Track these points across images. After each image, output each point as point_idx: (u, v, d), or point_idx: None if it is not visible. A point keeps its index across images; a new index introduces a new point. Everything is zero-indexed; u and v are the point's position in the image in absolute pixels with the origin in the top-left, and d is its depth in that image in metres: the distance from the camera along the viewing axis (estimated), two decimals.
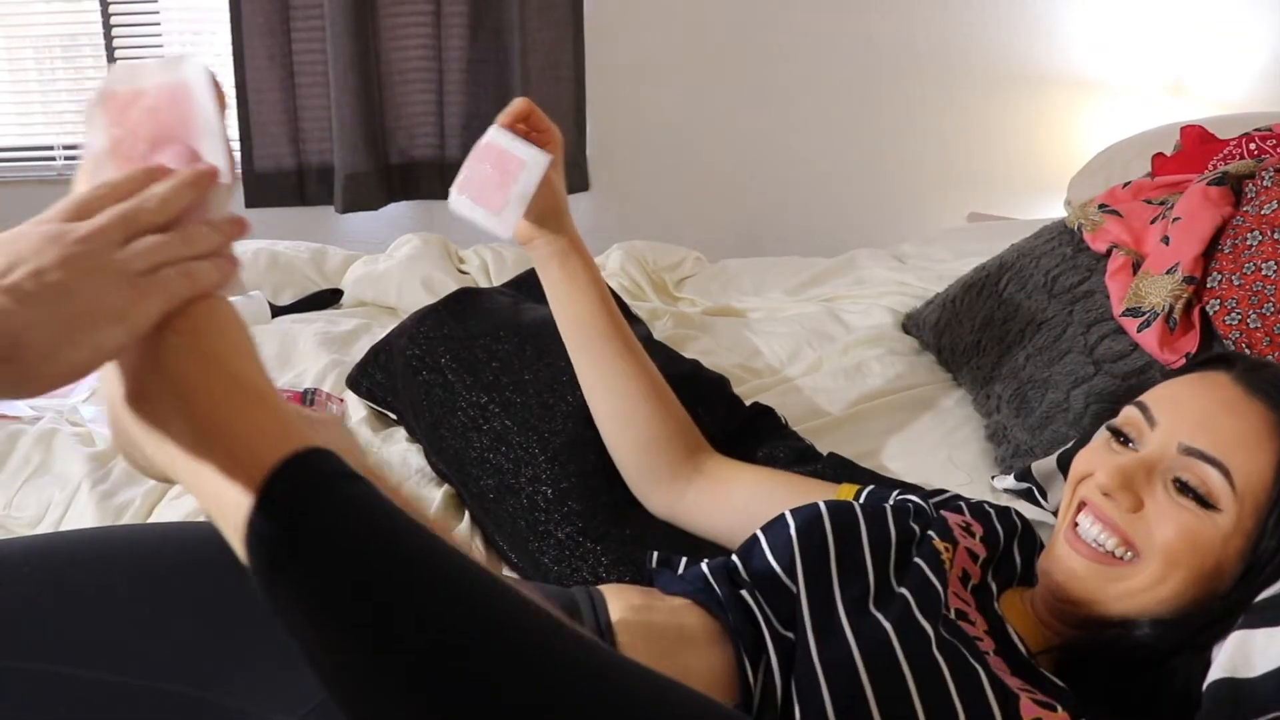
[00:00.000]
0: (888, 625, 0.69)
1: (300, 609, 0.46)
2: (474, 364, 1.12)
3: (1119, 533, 0.74)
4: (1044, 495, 1.09)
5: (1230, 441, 0.72)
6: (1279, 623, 0.64)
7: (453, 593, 0.46)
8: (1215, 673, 0.65)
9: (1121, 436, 0.78)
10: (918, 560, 0.76)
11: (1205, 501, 0.71)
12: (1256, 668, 0.63)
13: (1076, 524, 0.77)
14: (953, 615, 0.74)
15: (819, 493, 0.95)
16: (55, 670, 0.62)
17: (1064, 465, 1.06)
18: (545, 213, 0.98)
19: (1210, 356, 0.81)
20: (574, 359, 1.03)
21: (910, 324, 1.59)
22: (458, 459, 1.08)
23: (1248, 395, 0.74)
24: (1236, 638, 0.65)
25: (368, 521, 0.47)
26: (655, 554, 0.90)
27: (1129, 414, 0.78)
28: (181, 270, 0.52)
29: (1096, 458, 0.78)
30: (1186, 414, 0.75)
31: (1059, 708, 0.67)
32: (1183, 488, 0.72)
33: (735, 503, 0.98)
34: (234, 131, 2.76)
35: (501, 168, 0.92)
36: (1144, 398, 0.79)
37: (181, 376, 0.50)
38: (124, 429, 0.53)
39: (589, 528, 0.98)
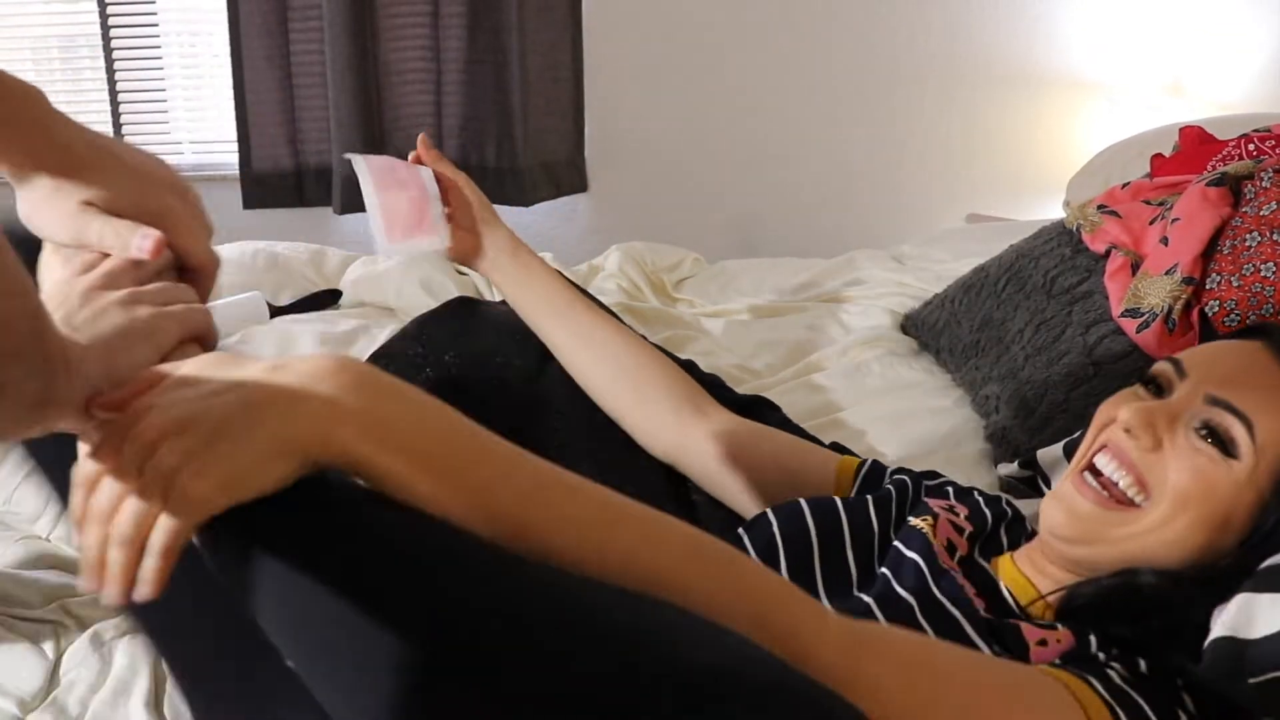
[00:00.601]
0: (869, 599, 0.71)
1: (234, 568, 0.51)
2: (479, 359, 1.12)
3: (1134, 471, 0.74)
4: (1047, 483, 1.09)
5: (1257, 399, 0.72)
6: None
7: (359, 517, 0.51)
8: (1218, 631, 0.66)
9: (1152, 384, 0.78)
10: (896, 543, 0.77)
11: (1224, 449, 0.72)
12: (1259, 629, 0.64)
13: (1091, 465, 0.77)
14: (950, 568, 0.75)
15: (822, 459, 0.96)
16: None
17: (1069, 453, 1.06)
18: (482, 204, 1.03)
19: (1249, 326, 0.82)
20: (551, 339, 1.05)
21: (909, 325, 1.59)
22: None
23: (1278, 363, 0.75)
24: (1240, 600, 0.66)
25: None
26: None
27: (1161, 367, 0.79)
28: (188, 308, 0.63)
29: (1123, 401, 0.78)
30: (1217, 369, 0.75)
31: (1058, 626, 0.68)
32: (1204, 433, 0.72)
33: (741, 448, 0.98)
34: (232, 132, 2.76)
35: (407, 192, 0.98)
36: (1177, 355, 0.79)
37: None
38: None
39: None
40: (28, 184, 0.63)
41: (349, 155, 1.01)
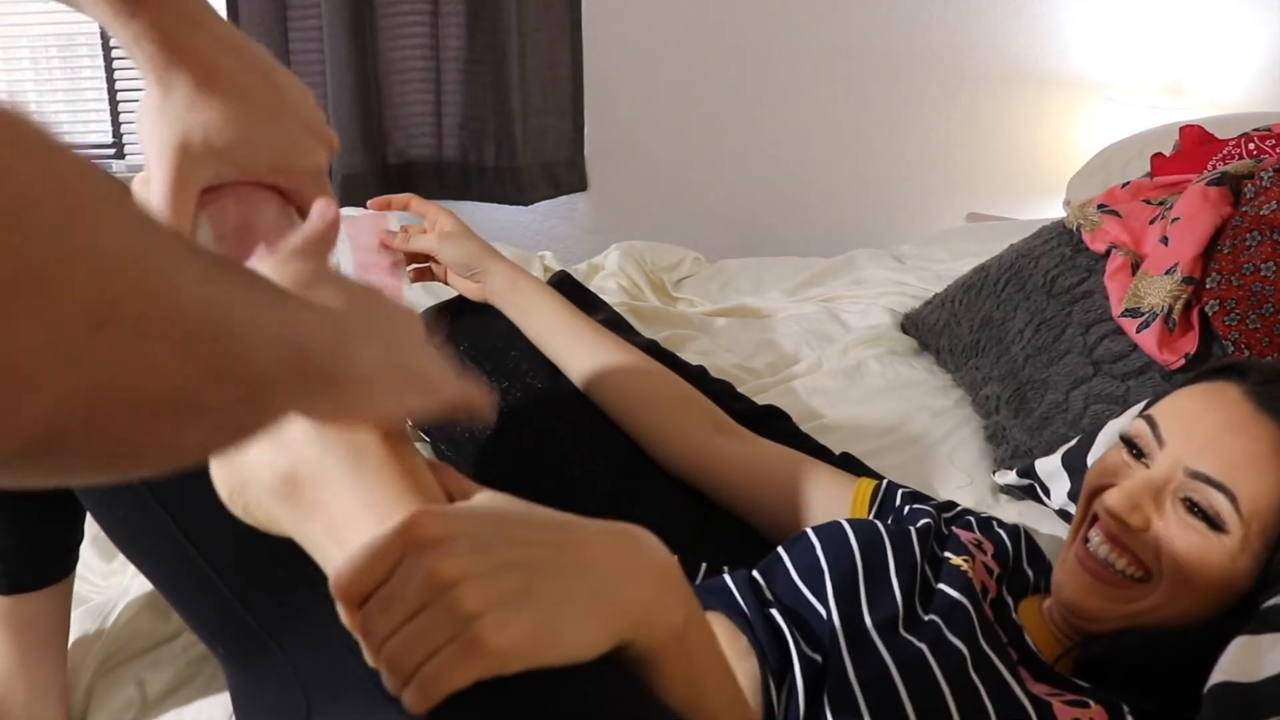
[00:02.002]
0: (922, 645, 0.69)
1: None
2: (493, 351, 1.12)
3: (1128, 553, 0.74)
4: (1047, 493, 1.09)
5: (1237, 463, 0.71)
6: None
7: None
8: (1217, 676, 0.65)
9: (1134, 449, 0.78)
10: (942, 586, 0.76)
11: (1212, 523, 0.71)
12: (1260, 672, 0.63)
13: (1087, 539, 0.77)
14: (991, 619, 0.74)
15: (838, 479, 0.96)
16: None
17: (1068, 464, 1.06)
18: (468, 260, 1.07)
19: (1222, 365, 0.80)
20: (564, 362, 1.06)
21: (909, 324, 1.59)
22: (473, 441, 1.08)
23: (1257, 412, 0.73)
24: (1239, 643, 0.65)
25: None
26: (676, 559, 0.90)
27: (1139, 429, 0.78)
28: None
29: (1109, 473, 0.78)
30: (1194, 434, 0.74)
31: (1090, 703, 0.67)
32: (1190, 509, 0.72)
33: (756, 462, 0.98)
34: None
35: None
36: (1153, 411, 0.78)
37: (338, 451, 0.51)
38: (246, 499, 0.54)
39: (614, 508, 0.97)
40: (165, 84, 0.52)
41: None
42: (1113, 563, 0.74)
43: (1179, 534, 0.72)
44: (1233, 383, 0.76)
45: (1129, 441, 0.78)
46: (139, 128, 0.54)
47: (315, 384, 0.40)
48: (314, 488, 0.51)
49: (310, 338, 0.39)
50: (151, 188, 0.53)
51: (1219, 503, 0.71)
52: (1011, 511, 1.13)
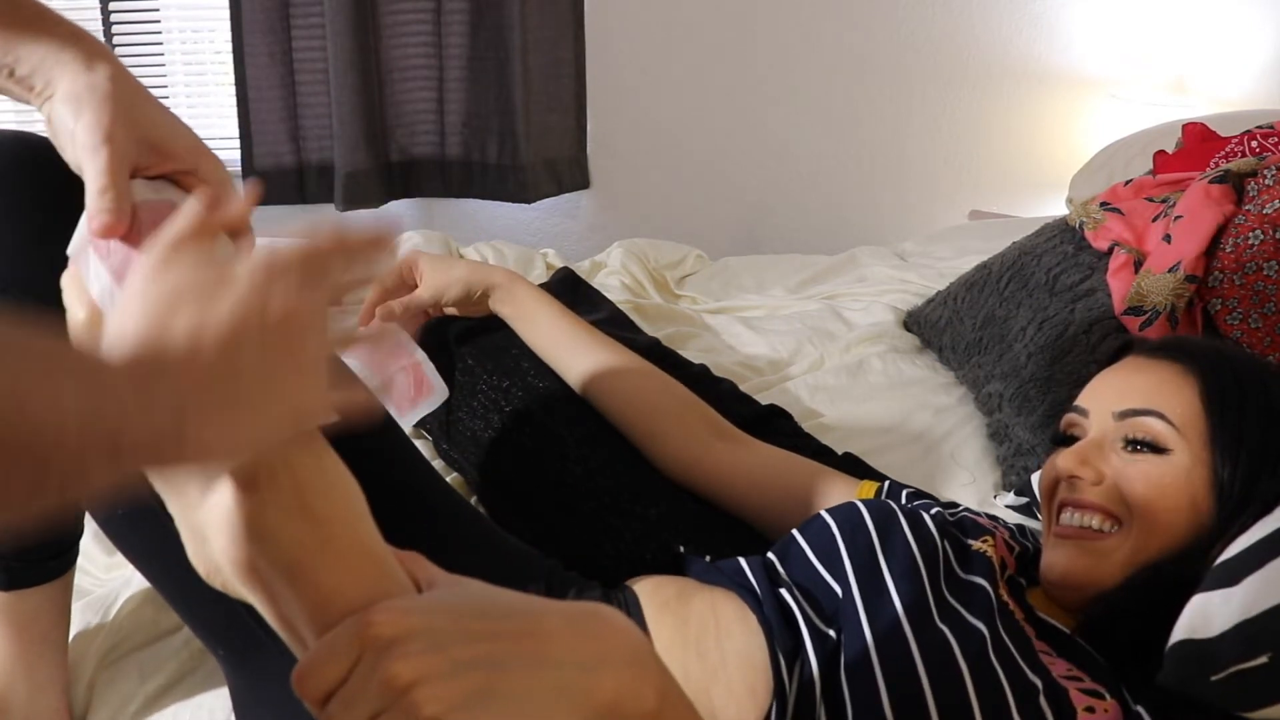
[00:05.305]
0: (944, 626, 0.70)
1: None
2: (494, 350, 1.13)
3: (1098, 509, 0.77)
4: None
5: (1153, 391, 0.78)
6: (1232, 583, 0.66)
7: None
8: (1176, 635, 0.67)
9: (1067, 439, 0.83)
10: (966, 575, 0.77)
11: (1156, 447, 0.76)
12: (1214, 628, 0.65)
13: (1059, 521, 0.79)
14: (1006, 596, 0.76)
15: (840, 483, 0.96)
16: None
17: None
18: (470, 286, 1.07)
19: (1117, 349, 0.89)
20: (562, 367, 1.07)
21: (911, 322, 1.59)
22: (474, 441, 1.08)
23: (1152, 359, 0.82)
24: (1195, 602, 0.67)
25: None
26: (683, 548, 0.91)
27: (1066, 420, 0.85)
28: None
29: (1054, 468, 0.82)
30: (1109, 391, 0.82)
31: (1106, 695, 0.67)
32: (1133, 444, 0.77)
33: (757, 469, 0.99)
34: (234, 129, 2.76)
35: (399, 362, 0.98)
36: (1073, 403, 0.85)
37: (294, 543, 0.49)
38: (223, 578, 0.53)
39: (615, 505, 0.98)
40: (90, 71, 0.56)
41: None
42: (1087, 524, 0.77)
43: (1132, 471, 0.76)
44: (1127, 355, 0.86)
45: (1062, 436, 0.84)
46: (58, 123, 0.57)
47: (129, 461, 0.39)
48: (271, 577, 0.50)
49: (126, 421, 0.38)
50: (87, 175, 0.54)
51: (1153, 426, 0.76)
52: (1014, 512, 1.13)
